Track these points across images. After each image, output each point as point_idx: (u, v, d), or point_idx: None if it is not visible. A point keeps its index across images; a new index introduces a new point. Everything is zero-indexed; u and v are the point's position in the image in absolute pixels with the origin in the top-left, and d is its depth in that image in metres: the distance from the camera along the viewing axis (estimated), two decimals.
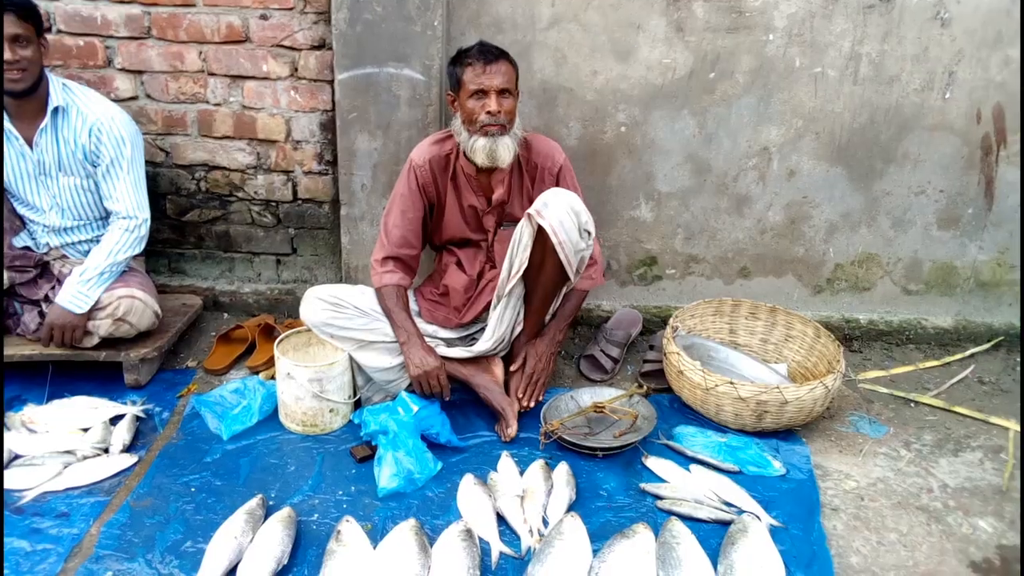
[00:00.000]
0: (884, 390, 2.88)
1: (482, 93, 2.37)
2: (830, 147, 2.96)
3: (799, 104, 2.90)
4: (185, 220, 3.22)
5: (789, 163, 2.98)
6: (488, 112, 2.36)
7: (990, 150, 2.94)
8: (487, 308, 2.64)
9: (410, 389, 2.55)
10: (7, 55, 2.39)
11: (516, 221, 2.64)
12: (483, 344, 2.61)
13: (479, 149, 2.40)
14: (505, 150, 2.41)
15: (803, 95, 2.88)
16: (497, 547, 2.07)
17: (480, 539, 2.07)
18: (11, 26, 2.39)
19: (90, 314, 2.58)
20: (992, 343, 3.12)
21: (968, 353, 3.10)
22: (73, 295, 2.55)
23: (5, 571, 1.95)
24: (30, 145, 2.59)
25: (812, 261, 3.14)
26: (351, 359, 2.57)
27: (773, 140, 2.95)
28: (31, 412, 2.50)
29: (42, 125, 2.56)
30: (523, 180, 2.58)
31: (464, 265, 2.69)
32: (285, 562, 1.97)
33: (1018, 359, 3.07)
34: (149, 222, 2.73)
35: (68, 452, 2.36)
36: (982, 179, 2.98)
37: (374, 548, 2.02)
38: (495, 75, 2.36)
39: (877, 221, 3.07)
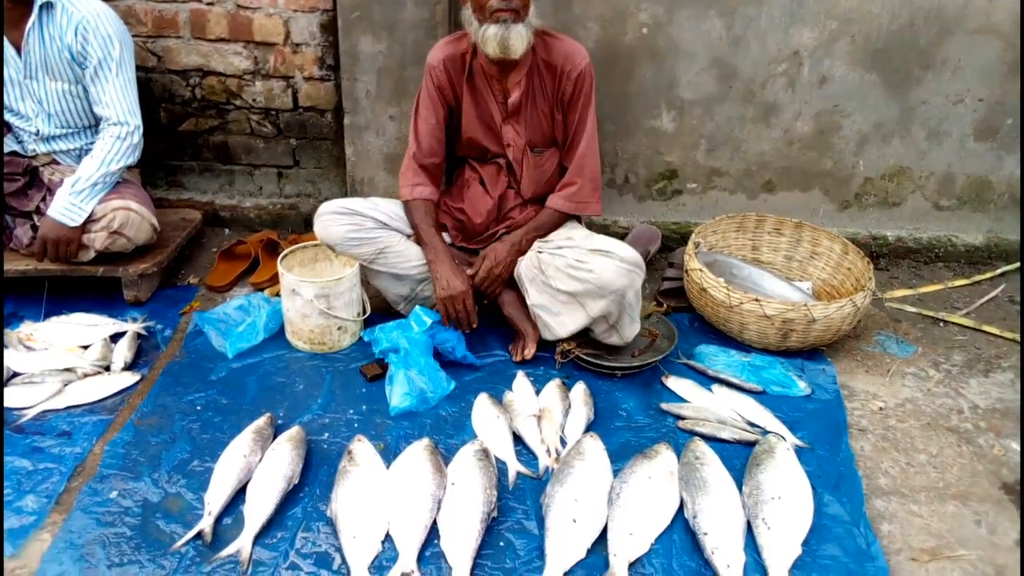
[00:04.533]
0: (912, 309, 2.78)
1: None
2: (865, 51, 2.77)
3: (835, 4, 2.69)
4: (181, 130, 3.06)
5: (821, 69, 2.80)
6: None
7: None
8: (508, 230, 2.51)
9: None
10: None
11: (546, 140, 2.46)
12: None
13: (490, 38, 2.18)
14: (518, 38, 2.18)
15: None
16: (514, 467, 2.01)
17: (496, 459, 2.01)
18: None
19: (84, 227, 2.46)
20: None
21: (999, 271, 2.99)
22: (65, 207, 2.43)
23: (8, 489, 1.89)
24: (18, 48, 2.42)
25: (841, 175, 2.99)
26: (360, 275, 2.46)
27: (805, 43, 2.76)
28: (28, 329, 2.41)
29: (29, 24, 2.39)
30: (543, 83, 2.38)
31: (487, 185, 2.54)
32: (296, 481, 1.91)
33: None
34: (142, 129, 2.57)
35: (68, 370, 2.28)
36: None
37: (387, 467, 1.96)
38: None
39: (911, 132, 2.90)
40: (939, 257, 3.05)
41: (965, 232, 3.05)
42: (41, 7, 2.38)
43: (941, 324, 2.71)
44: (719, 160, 2.97)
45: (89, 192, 2.46)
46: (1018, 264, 3.00)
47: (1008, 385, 2.41)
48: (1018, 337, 2.61)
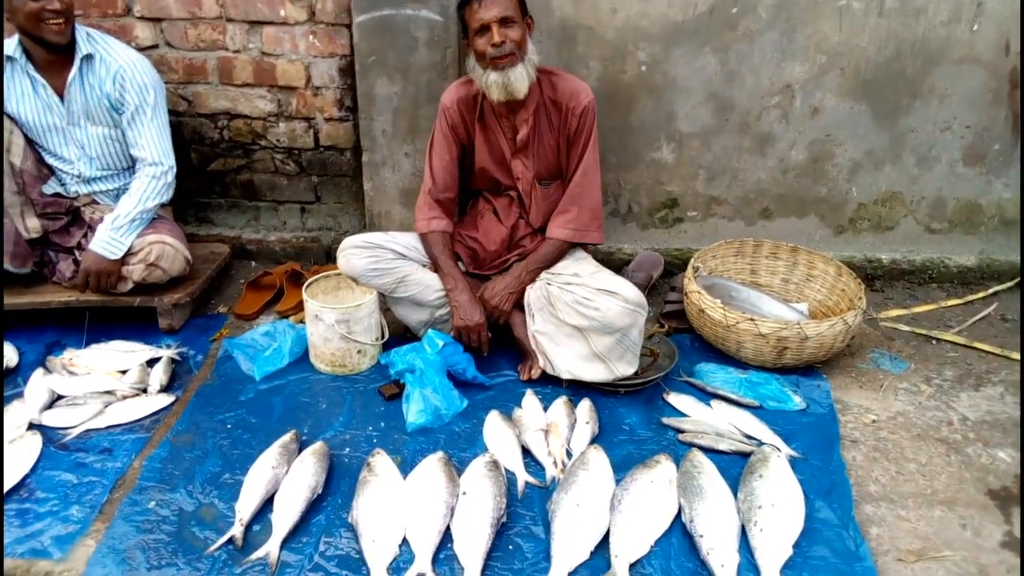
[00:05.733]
0: (906, 328, 2.89)
1: (484, 28, 2.34)
2: (855, 83, 2.92)
3: (823, 39, 2.85)
4: (210, 170, 3.26)
5: (813, 100, 2.95)
6: (492, 44, 2.32)
7: (1018, 83, 2.88)
8: (520, 257, 2.68)
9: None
10: (55, 5, 2.43)
11: (552, 173, 2.63)
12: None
13: (493, 84, 2.38)
14: (518, 80, 2.37)
15: (828, 29, 2.83)
16: (523, 477, 2.14)
17: (506, 470, 2.14)
18: None
19: (123, 260, 2.65)
20: (1016, 281, 3.11)
21: (991, 291, 3.09)
22: (106, 242, 2.62)
23: (55, 500, 2.05)
24: (61, 96, 2.63)
25: (835, 201, 3.12)
26: (380, 303, 2.63)
27: (796, 77, 2.92)
28: (71, 355, 2.58)
29: (72, 75, 2.59)
30: (549, 119, 2.55)
31: (500, 215, 2.71)
32: (320, 491, 2.05)
33: None
34: (175, 170, 2.77)
35: (108, 392, 2.45)
36: (1009, 114, 2.94)
37: (404, 479, 2.09)
38: (492, 7, 2.32)
39: (901, 159, 3.04)
40: (933, 278, 3.17)
41: (957, 254, 3.17)
42: (82, 59, 2.59)
43: (934, 342, 2.82)
44: (717, 189, 3.12)
45: (128, 228, 2.65)
46: (1010, 284, 3.10)
47: (997, 399, 2.51)
48: (1008, 353, 2.72)
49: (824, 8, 2.80)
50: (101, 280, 2.64)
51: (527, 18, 2.45)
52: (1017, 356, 2.70)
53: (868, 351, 2.75)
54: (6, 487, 2.06)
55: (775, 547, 1.88)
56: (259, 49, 3.03)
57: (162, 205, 2.79)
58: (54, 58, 2.58)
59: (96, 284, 2.65)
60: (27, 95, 2.61)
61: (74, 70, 2.59)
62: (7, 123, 2.61)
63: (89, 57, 2.60)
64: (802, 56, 2.89)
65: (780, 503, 1.98)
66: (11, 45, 2.55)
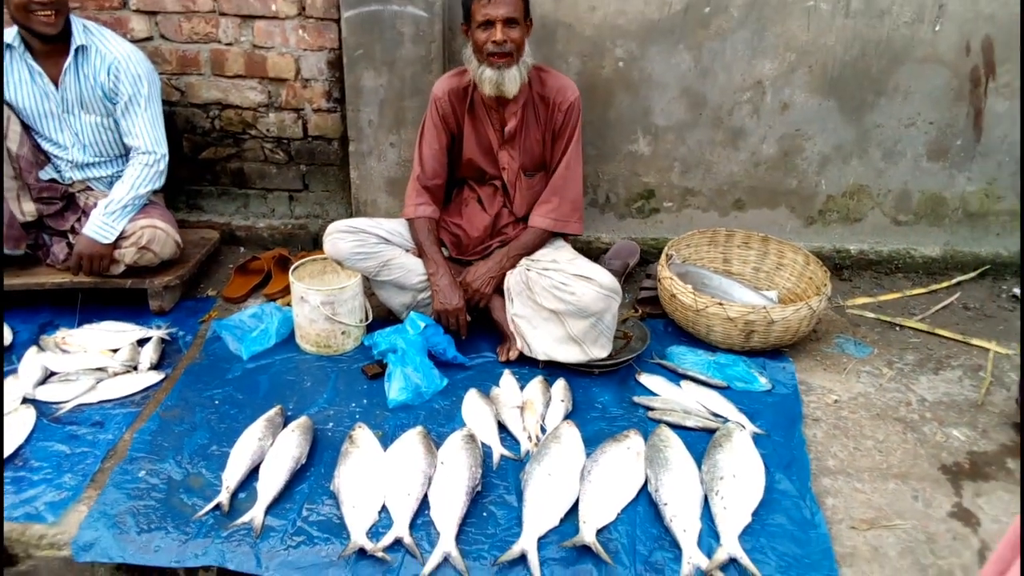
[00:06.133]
0: (871, 315, 3.00)
1: (488, 23, 2.43)
2: (822, 80, 3.04)
3: (792, 38, 2.97)
4: (201, 158, 3.35)
5: (782, 96, 3.06)
6: (493, 41, 2.42)
7: (979, 82, 3.01)
8: (501, 243, 2.78)
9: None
10: None
11: (536, 165, 2.74)
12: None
13: (486, 80, 2.49)
14: (511, 81, 2.48)
15: (796, 28, 2.95)
16: (498, 451, 2.24)
17: (483, 444, 2.24)
18: None
19: (116, 243, 2.73)
20: (978, 271, 3.23)
21: (955, 281, 3.22)
22: (99, 226, 2.70)
23: (48, 469, 2.14)
24: (56, 84, 2.71)
25: (805, 193, 3.24)
26: (362, 285, 2.72)
27: (767, 74, 3.03)
28: (64, 334, 2.67)
29: (66, 65, 2.68)
30: (537, 114, 2.66)
31: (484, 203, 2.81)
32: (303, 462, 2.15)
33: (1003, 286, 3.19)
34: (167, 158, 2.85)
35: (100, 369, 2.54)
36: (971, 111, 3.06)
37: (385, 451, 2.19)
38: (500, 5, 2.41)
39: (868, 153, 3.16)
40: (899, 268, 3.29)
41: (923, 245, 3.29)
42: (76, 49, 2.68)
43: (897, 328, 2.93)
44: (692, 181, 3.23)
45: (120, 213, 2.74)
46: (972, 274, 3.23)
47: (956, 382, 2.63)
48: (968, 339, 2.84)
49: (793, 8, 2.92)
50: (94, 263, 2.73)
51: (528, 19, 2.54)
52: (975, 342, 2.82)
53: (834, 336, 2.86)
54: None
55: (735, 515, 1.98)
56: (250, 42, 3.12)
57: (154, 191, 2.88)
58: (49, 48, 2.66)
59: (89, 267, 2.74)
60: (24, 82, 2.70)
61: (68, 60, 2.68)
62: (5, 110, 2.70)
63: (83, 48, 2.68)
64: (772, 54, 3.00)
65: (741, 474, 2.09)
66: (11, 33, 2.64)
